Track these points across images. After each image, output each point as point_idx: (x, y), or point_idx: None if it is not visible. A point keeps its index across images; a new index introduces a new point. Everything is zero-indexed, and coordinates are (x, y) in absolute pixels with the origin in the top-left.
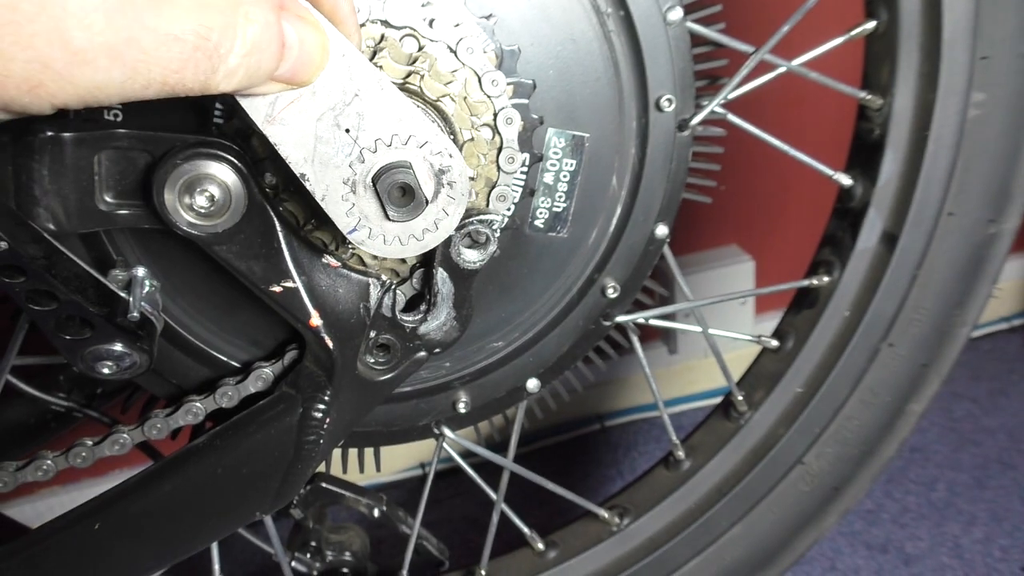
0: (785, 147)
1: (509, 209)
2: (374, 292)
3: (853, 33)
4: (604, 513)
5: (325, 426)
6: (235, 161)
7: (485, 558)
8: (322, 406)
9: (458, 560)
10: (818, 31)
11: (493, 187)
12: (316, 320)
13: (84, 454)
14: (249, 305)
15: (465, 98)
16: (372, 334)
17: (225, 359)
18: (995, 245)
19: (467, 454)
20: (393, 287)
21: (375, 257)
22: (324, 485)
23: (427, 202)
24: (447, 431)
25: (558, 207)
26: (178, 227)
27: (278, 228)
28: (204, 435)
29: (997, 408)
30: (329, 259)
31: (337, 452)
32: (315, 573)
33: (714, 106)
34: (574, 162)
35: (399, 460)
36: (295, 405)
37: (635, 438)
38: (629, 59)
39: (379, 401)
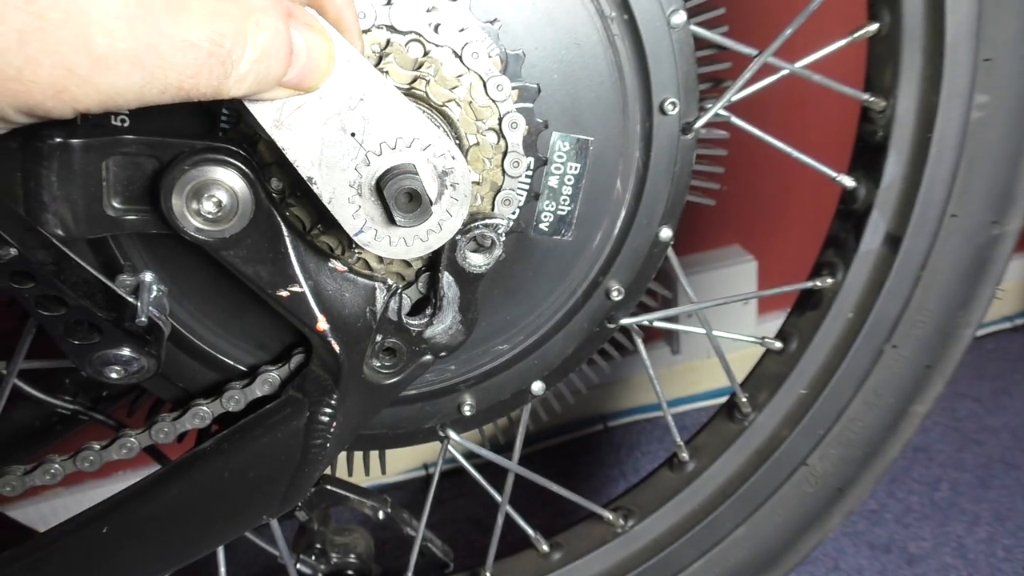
0: (789, 149)
1: (514, 213)
2: (380, 296)
3: (856, 35)
4: (608, 515)
5: (332, 430)
6: (242, 166)
7: (490, 560)
8: (329, 410)
9: (462, 561)
10: (821, 34)
11: (498, 191)
12: (323, 324)
13: (92, 458)
14: (256, 309)
15: (470, 103)
16: (378, 338)
17: (232, 363)
18: (998, 247)
19: (471, 455)
20: (399, 291)
21: (381, 261)
22: (329, 487)
23: (431, 204)
24: (452, 434)
25: (563, 211)
26: (186, 232)
27: (285, 233)
28: (211, 439)
29: (1000, 407)
30: (335, 263)
31: (342, 455)
32: (320, 575)
33: (718, 109)
34: (578, 166)
35: (402, 461)
36: (302, 409)
37: (638, 438)
38: (633, 63)
39: (385, 404)
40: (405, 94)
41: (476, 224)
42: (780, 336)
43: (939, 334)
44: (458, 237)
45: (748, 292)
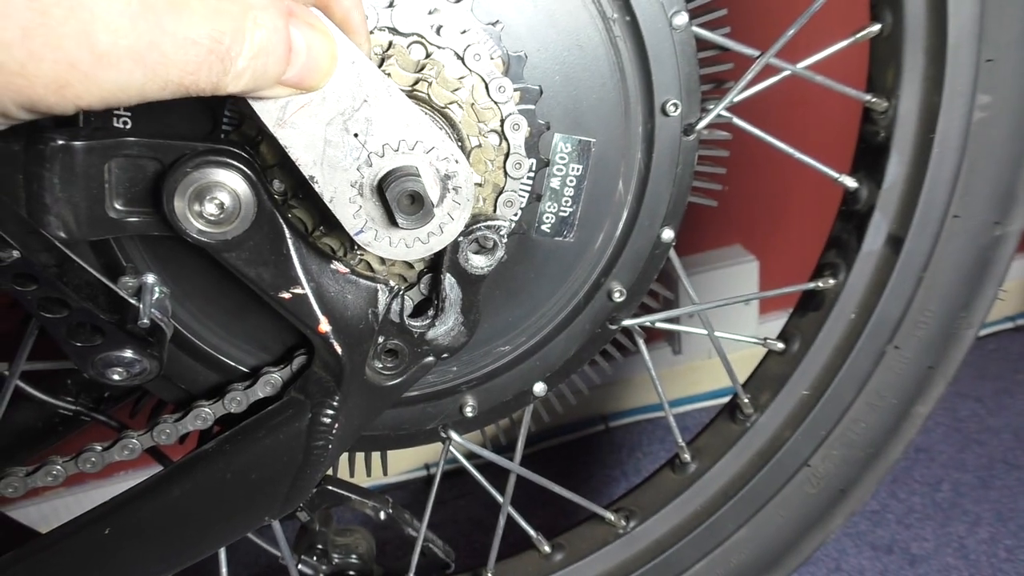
0: (790, 150)
1: (516, 214)
2: (382, 298)
3: (858, 36)
4: (610, 516)
5: (334, 431)
6: (244, 169)
7: (491, 560)
8: (331, 411)
9: (464, 562)
10: (823, 34)
11: (500, 193)
12: (325, 326)
13: (94, 459)
14: (258, 311)
15: (472, 104)
16: (380, 339)
17: (234, 364)
18: (1001, 247)
19: (472, 456)
20: (401, 293)
21: (383, 263)
22: (331, 488)
23: (433, 207)
24: (454, 435)
25: (565, 212)
26: (188, 234)
27: (287, 235)
28: (213, 440)
29: (1002, 408)
30: (338, 265)
31: (344, 456)
32: (321, 575)
33: (720, 110)
34: (580, 167)
35: (403, 462)
36: (304, 410)
37: (639, 439)
38: (635, 64)
39: (387, 406)
40: (407, 96)
41: (478, 226)
42: (782, 337)
43: (941, 335)
44: (460, 239)
45: (750, 293)
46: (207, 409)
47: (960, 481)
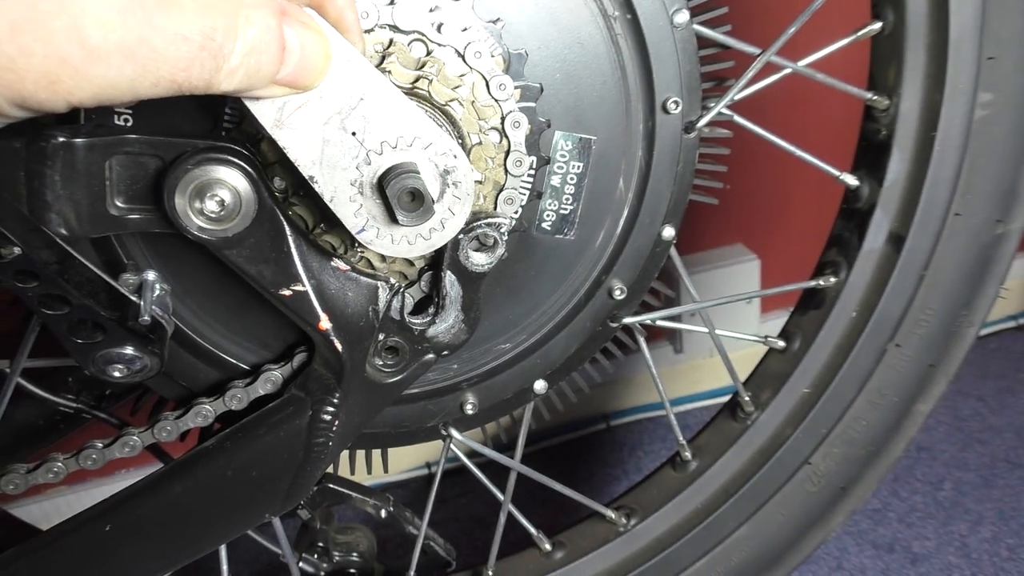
0: (792, 148)
1: (517, 212)
2: (383, 295)
3: (859, 34)
4: (611, 514)
5: (334, 428)
6: (245, 166)
7: (492, 558)
8: (331, 408)
9: (465, 560)
10: (824, 32)
11: (501, 190)
12: (325, 323)
13: (94, 456)
14: (258, 308)
15: (473, 102)
16: (381, 337)
17: (234, 361)
18: (1002, 245)
19: (473, 454)
20: (402, 290)
21: (384, 260)
22: (331, 486)
23: (433, 203)
24: (454, 433)
25: (565, 209)
26: (189, 232)
27: (288, 232)
28: (213, 437)
29: (1004, 407)
30: (338, 263)
31: (345, 453)
32: (322, 573)
33: (720, 108)
34: (581, 165)
35: (404, 460)
36: (304, 407)
37: (640, 437)
38: (636, 62)
39: (388, 403)
40: (408, 93)
41: (479, 223)
42: (783, 335)
43: (943, 333)
44: (461, 236)
45: (751, 291)
46: (208, 406)
47: (962, 480)
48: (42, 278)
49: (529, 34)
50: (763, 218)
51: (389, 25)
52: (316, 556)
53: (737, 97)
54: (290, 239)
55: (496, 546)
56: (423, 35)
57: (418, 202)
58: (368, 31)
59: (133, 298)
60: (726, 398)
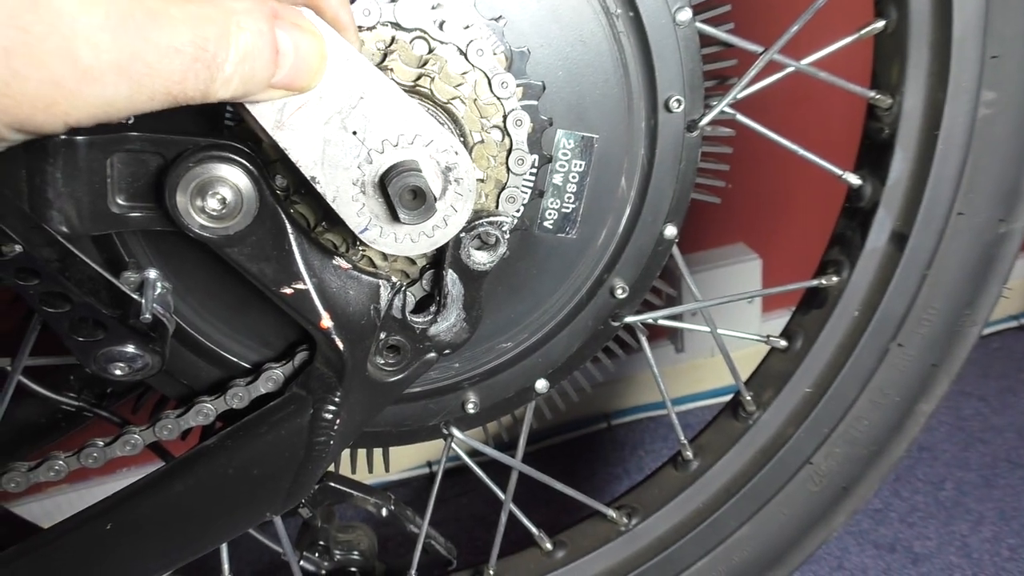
0: (794, 147)
1: (519, 210)
2: (384, 294)
3: (862, 32)
4: (612, 513)
5: (335, 427)
6: (247, 164)
7: (493, 558)
8: (332, 407)
9: (466, 559)
10: (827, 30)
11: (503, 189)
12: (327, 322)
13: (96, 454)
14: (260, 306)
15: (475, 100)
16: (382, 335)
17: (236, 360)
18: (1005, 244)
19: (475, 453)
20: (403, 289)
21: (385, 259)
22: (332, 484)
23: (435, 200)
24: (456, 432)
25: (567, 208)
26: (190, 230)
27: (289, 230)
28: (215, 436)
29: (1006, 406)
30: (340, 261)
31: (346, 452)
32: (323, 572)
33: (723, 106)
34: (583, 163)
35: (406, 459)
36: (306, 406)
37: (642, 437)
38: (638, 60)
39: (389, 402)
40: (409, 91)
41: (480, 221)
42: (785, 334)
43: (945, 333)
44: (462, 235)
45: (753, 290)
46: (209, 405)
47: (963, 480)
48: (43, 276)
49: (531, 32)
50: (765, 217)
51: (391, 23)
52: (317, 555)
53: (740, 96)
54: (291, 237)
55: (497, 545)
56: (425, 33)
57: (420, 200)
58: (370, 29)
59: (134, 296)
60: (728, 397)
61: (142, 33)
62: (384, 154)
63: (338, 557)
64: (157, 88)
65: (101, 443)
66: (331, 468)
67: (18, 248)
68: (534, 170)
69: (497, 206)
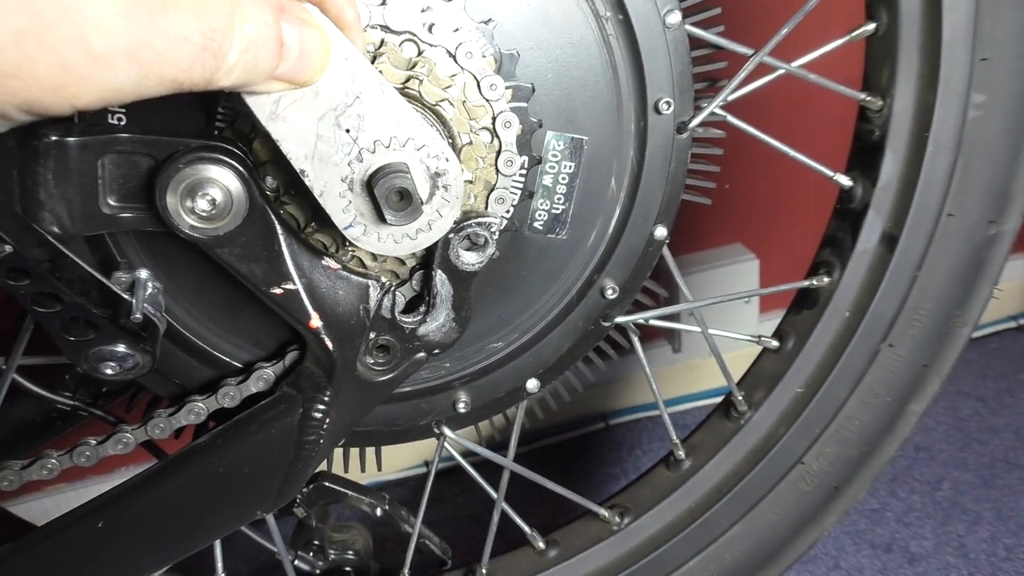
0: (785, 148)
1: (508, 211)
2: (374, 294)
3: (853, 35)
4: (604, 512)
5: (325, 426)
6: (236, 165)
7: (486, 557)
8: (322, 406)
9: (462, 559)
10: (818, 33)
11: (492, 190)
12: (316, 321)
13: (88, 453)
14: (251, 306)
15: (464, 102)
16: (372, 335)
17: (227, 359)
18: (995, 246)
19: (469, 453)
20: (392, 289)
21: (375, 259)
22: (327, 484)
23: (422, 204)
24: (447, 431)
25: (557, 209)
26: (180, 230)
27: (279, 231)
28: (206, 434)
29: (1003, 407)
30: (329, 261)
31: (339, 451)
32: (318, 572)
33: (713, 108)
34: (573, 164)
35: (403, 459)
36: (296, 405)
37: (639, 437)
38: (628, 62)
39: (379, 401)
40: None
41: (469, 222)
42: (777, 335)
43: (936, 333)
44: (451, 235)
45: (743, 291)
46: (200, 404)
47: (960, 480)
48: (34, 276)
49: (521, 34)
50: (762, 218)
51: (380, 25)
52: (312, 554)
53: (730, 98)
54: (281, 238)
55: (489, 544)
56: (414, 35)
57: (406, 202)
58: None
59: (125, 296)
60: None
61: (153, 20)
62: (375, 154)
63: (333, 556)
64: (164, 75)
65: (93, 441)
66: (325, 468)
67: (8, 248)
68: (523, 171)
69: (486, 207)
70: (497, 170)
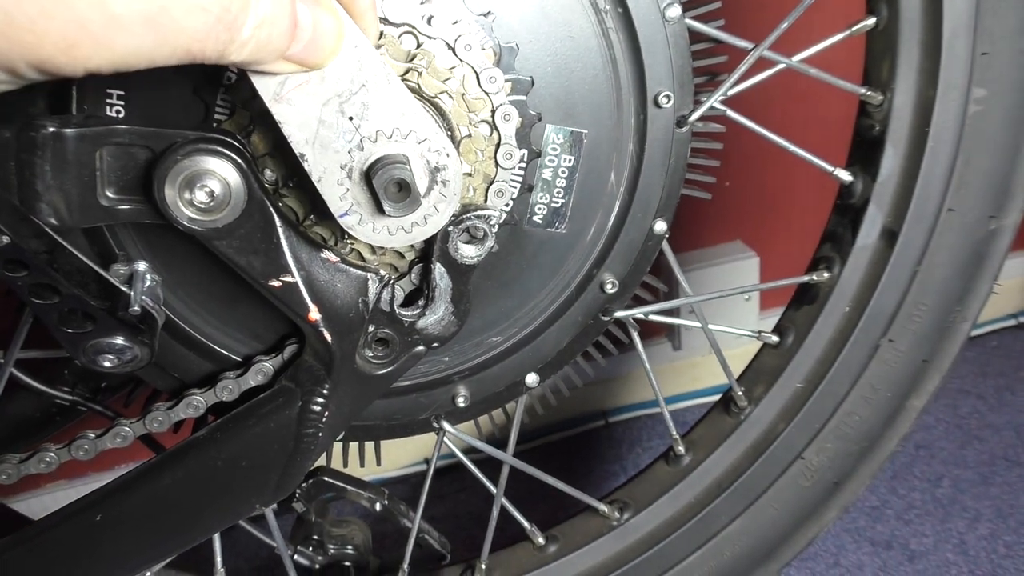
0: (785, 143)
1: (507, 205)
2: (372, 287)
3: (853, 29)
4: (604, 508)
5: (324, 419)
6: (235, 157)
7: (485, 552)
8: (321, 399)
9: (462, 555)
10: (818, 27)
11: (491, 183)
12: (314, 314)
13: (86, 447)
14: (249, 299)
15: (463, 95)
16: (370, 328)
17: (226, 353)
18: (996, 241)
19: (469, 450)
20: (391, 282)
21: (374, 252)
22: (326, 479)
23: (420, 196)
24: (447, 425)
25: (556, 203)
26: (178, 222)
27: (277, 223)
28: (204, 428)
29: (1003, 405)
30: (328, 254)
31: (338, 446)
32: (317, 566)
33: (712, 102)
34: (572, 158)
35: (404, 455)
36: (294, 398)
37: (639, 434)
38: (627, 56)
39: (378, 395)
40: None
41: (468, 215)
42: (777, 330)
43: (936, 329)
44: (450, 228)
45: (742, 286)
46: (199, 397)
47: (960, 477)
48: (31, 267)
49: (520, 27)
50: (763, 215)
51: (380, 18)
52: (311, 549)
53: (730, 92)
54: (280, 230)
55: (489, 539)
56: (413, 28)
57: (404, 193)
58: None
59: (123, 288)
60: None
61: None
62: (376, 144)
63: (332, 551)
64: (179, 43)
65: (92, 435)
66: (324, 462)
67: (6, 239)
68: (523, 165)
69: (485, 200)
70: (496, 163)
